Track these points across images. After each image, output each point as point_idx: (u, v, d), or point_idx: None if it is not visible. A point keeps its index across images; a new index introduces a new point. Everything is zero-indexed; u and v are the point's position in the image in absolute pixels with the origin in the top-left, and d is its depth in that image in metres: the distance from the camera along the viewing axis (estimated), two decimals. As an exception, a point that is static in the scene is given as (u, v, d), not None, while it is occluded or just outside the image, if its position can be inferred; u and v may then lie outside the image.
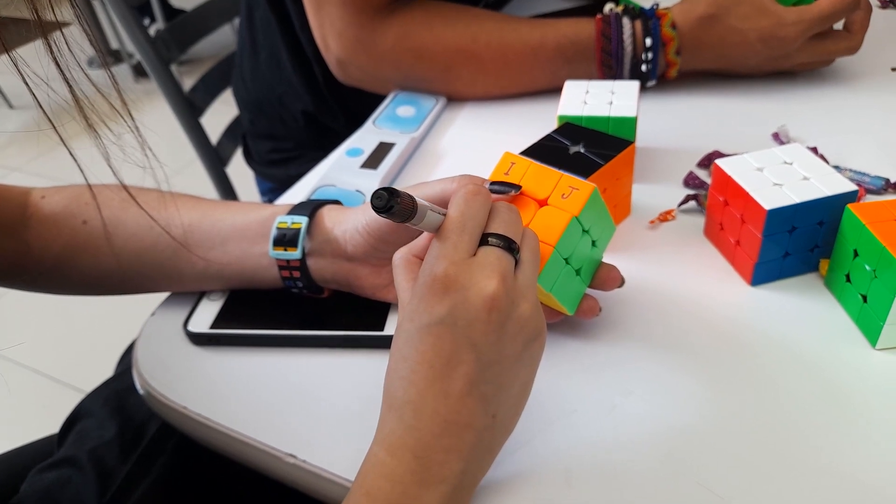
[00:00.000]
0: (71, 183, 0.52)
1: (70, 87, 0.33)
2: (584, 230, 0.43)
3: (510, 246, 0.37)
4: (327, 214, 0.49)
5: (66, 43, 0.33)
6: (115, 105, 0.37)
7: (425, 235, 0.40)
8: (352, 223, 0.47)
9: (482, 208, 0.38)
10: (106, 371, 0.73)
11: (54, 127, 0.36)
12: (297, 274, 0.49)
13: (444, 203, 0.43)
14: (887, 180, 0.58)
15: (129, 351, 0.67)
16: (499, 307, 0.35)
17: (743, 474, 0.39)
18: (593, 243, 0.45)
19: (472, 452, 0.35)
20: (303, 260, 0.48)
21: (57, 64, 0.33)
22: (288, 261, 0.48)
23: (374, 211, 0.34)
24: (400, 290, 0.39)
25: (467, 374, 0.35)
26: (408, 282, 0.38)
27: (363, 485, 0.34)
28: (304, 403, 0.45)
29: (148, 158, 0.40)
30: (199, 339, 0.50)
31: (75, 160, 0.37)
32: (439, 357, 0.35)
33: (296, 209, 0.50)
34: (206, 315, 0.51)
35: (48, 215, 0.51)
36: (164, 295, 0.55)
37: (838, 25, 0.74)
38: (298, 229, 0.48)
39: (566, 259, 0.43)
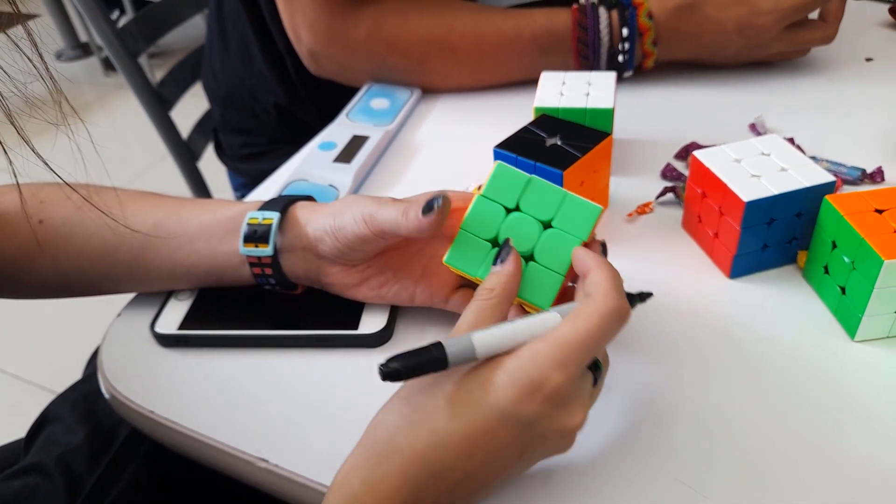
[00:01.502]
0: (39, 181, 0.50)
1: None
2: (508, 209, 0.41)
3: (598, 376, 0.37)
4: (300, 211, 0.48)
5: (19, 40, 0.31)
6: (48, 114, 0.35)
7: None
8: (321, 223, 0.46)
9: (615, 335, 0.36)
10: (77, 371, 0.71)
11: (13, 124, 0.34)
12: (269, 271, 0.47)
13: (390, 226, 0.43)
14: (863, 171, 0.58)
15: (98, 353, 0.65)
16: (569, 438, 0.36)
17: (723, 470, 0.38)
18: (548, 226, 0.42)
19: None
20: (274, 257, 0.47)
21: None
22: (259, 258, 0.47)
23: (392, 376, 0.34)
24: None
25: (495, 471, 0.35)
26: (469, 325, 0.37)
27: None
28: (276, 406, 0.44)
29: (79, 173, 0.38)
30: (166, 341, 0.49)
31: (36, 152, 0.35)
32: (488, 444, 0.34)
33: (267, 205, 0.48)
34: (173, 315, 0.49)
35: (0, 215, 0.49)
36: (131, 294, 0.53)
37: (813, 16, 0.74)
38: (270, 225, 0.47)
39: (490, 240, 0.42)
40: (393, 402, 0.37)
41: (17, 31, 0.32)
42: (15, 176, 0.35)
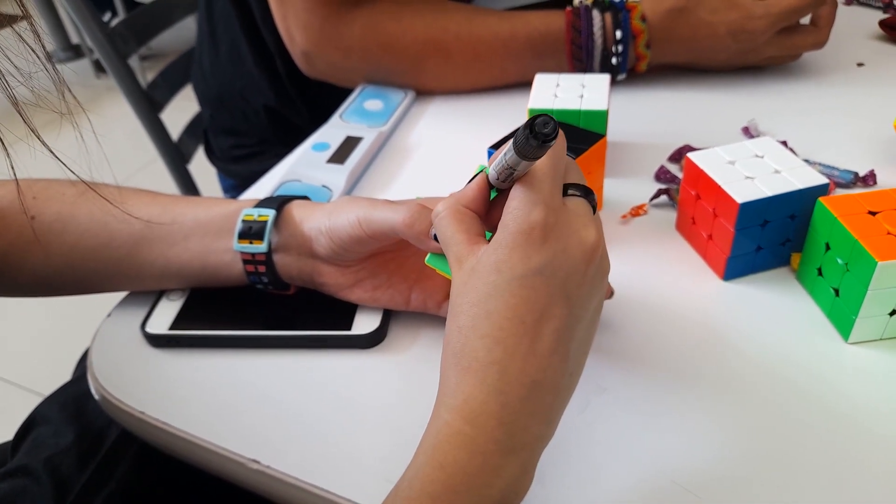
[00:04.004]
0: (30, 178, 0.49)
1: (7, 85, 0.31)
2: None
3: (590, 198, 0.36)
4: (295, 210, 0.48)
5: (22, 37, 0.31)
6: (55, 105, 0.34)
7: (474, 185, 0.38)
8: (317, 223, 0.46)
9: (564, 151, 0.36)
10: (66, 373, 0.70)
11: (21, 114, 0.33)
12: (262, 269, 0.47)
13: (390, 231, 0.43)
14: (856, 174, 0.58)
15: (87, 354, 0.64)
16: (594, 259, 0.34)
17: (717, 471, 0.38)
18: None
19: (551, 414, 0.34)
20: (268, 254, 0.46)
21: None
22: (253, 255, 0.47)
23: (535, 139, 0.31)
24: (450, 244, 0.36)
25: (557, 330, 0.33)
26: (461, 233, 0.36)
27: (436, 457, 0.32)
28: (268, 406, 0.44)
29: (96, 168, 0.38)
30: (157, 341, 0.48)
31: (44, 142, 0.34)
32: (532, 312, 0.33)
33: (262, 203, 0.48)
34: (165, 315, 0.49)
35: None
36: (122, 294, 0.53)
37: (805, 21, 0.74)
38: (265, 222, 0.46)
39: None
40: (444, 341, 0.35)
41: (12, 28, 0.31)
42: (13, 171, 0.35)
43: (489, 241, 0.35)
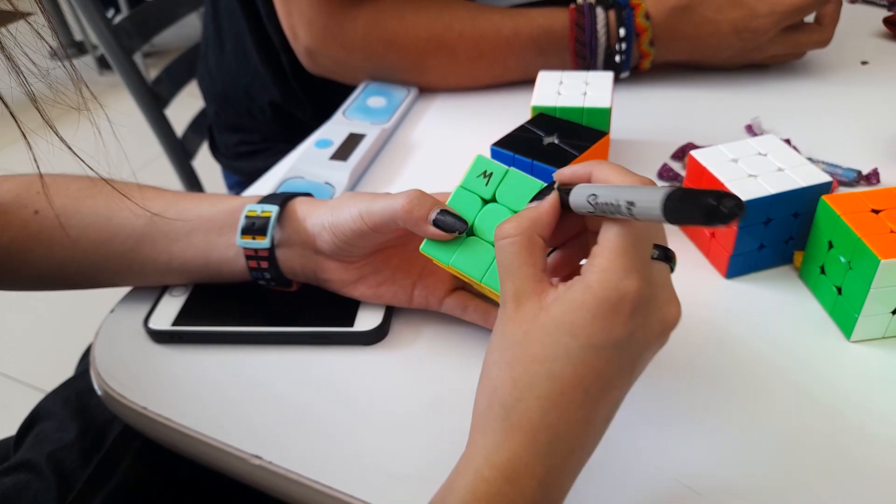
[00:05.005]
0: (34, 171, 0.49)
1: (25, 81, 0.31)
2: (485, 200, 0.41)
3: (669, 258, 0.34)
4: (298, 206, 0.48)
5: (39, 32, 0.31)
6: (70, 100, 0.34)
7: (550, 210, 0.35)
8: (319, 219, 0.46)
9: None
10: (69, 369, 0.71)
11: (38, 109, 0.33)
12: (265, 264, 0.47)
13: (389, 224, 0.42)
14: (859, 172, 0.58)
15: (90, 349, 0.64)
16: (669, 334, 0.33)
17: (719, 469, 0.38)
18: None
19: (581, 468, 0.34)
20: (271, 250, 0.47)
21: (9, 59, 0.30)
22: (256, 250, 0.47)
23: (710, 217, 0.26)
24: (515, 275, 0.34)
25: (615, 400, 0.33)
26: (528, 266, 0.33)
27: None
28: (271, 402, 0.44)
29: (104, 163, 0.38)
30: (160, 337, 0.48)
31: (61, 136, 0.35)
32: (598, 384, 0.31)
33: (266, 199, 0.48)
34: (168, 311, 0.49)
35: None
36: (125, 290, 0.53)
37: (809, 19, 0.74)
38: (268, 218, 0.46)
39: (465, 232, 0.41)
40: (487, 381, 0.34)
41: (16, 27, 0.31)
42: (37, 164, 0.34)
43: (547, 272, 0.33)
